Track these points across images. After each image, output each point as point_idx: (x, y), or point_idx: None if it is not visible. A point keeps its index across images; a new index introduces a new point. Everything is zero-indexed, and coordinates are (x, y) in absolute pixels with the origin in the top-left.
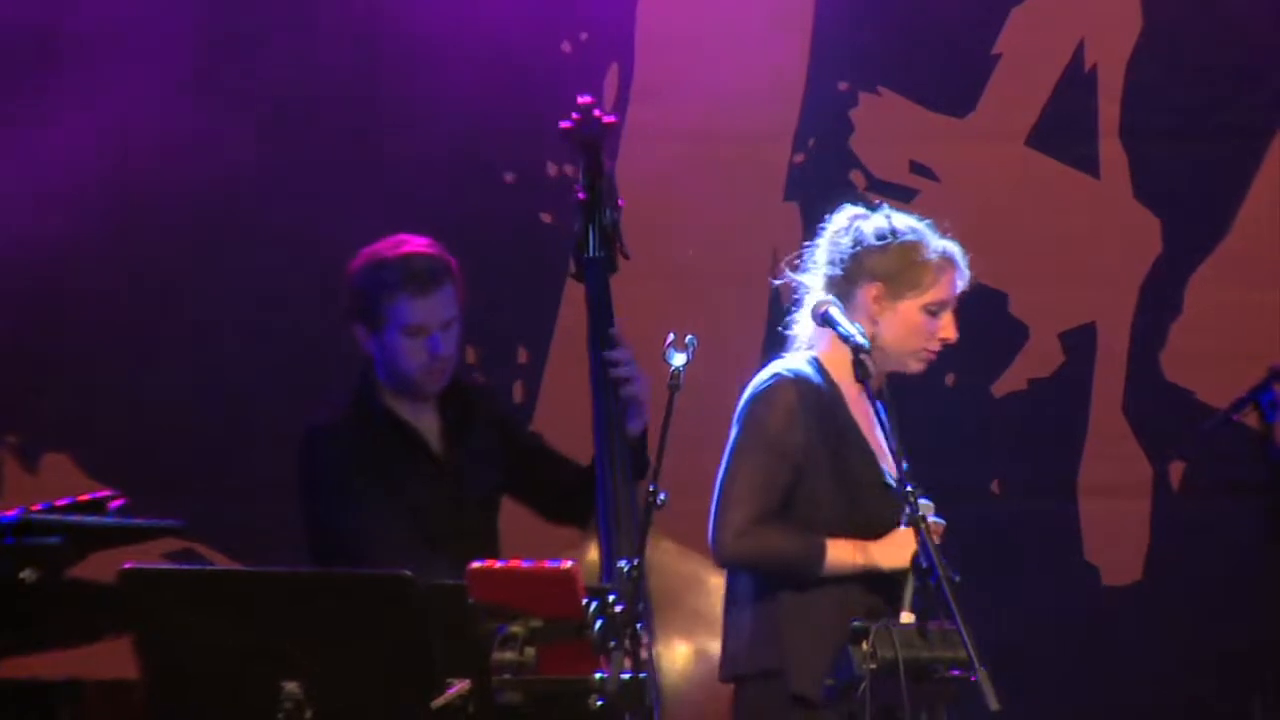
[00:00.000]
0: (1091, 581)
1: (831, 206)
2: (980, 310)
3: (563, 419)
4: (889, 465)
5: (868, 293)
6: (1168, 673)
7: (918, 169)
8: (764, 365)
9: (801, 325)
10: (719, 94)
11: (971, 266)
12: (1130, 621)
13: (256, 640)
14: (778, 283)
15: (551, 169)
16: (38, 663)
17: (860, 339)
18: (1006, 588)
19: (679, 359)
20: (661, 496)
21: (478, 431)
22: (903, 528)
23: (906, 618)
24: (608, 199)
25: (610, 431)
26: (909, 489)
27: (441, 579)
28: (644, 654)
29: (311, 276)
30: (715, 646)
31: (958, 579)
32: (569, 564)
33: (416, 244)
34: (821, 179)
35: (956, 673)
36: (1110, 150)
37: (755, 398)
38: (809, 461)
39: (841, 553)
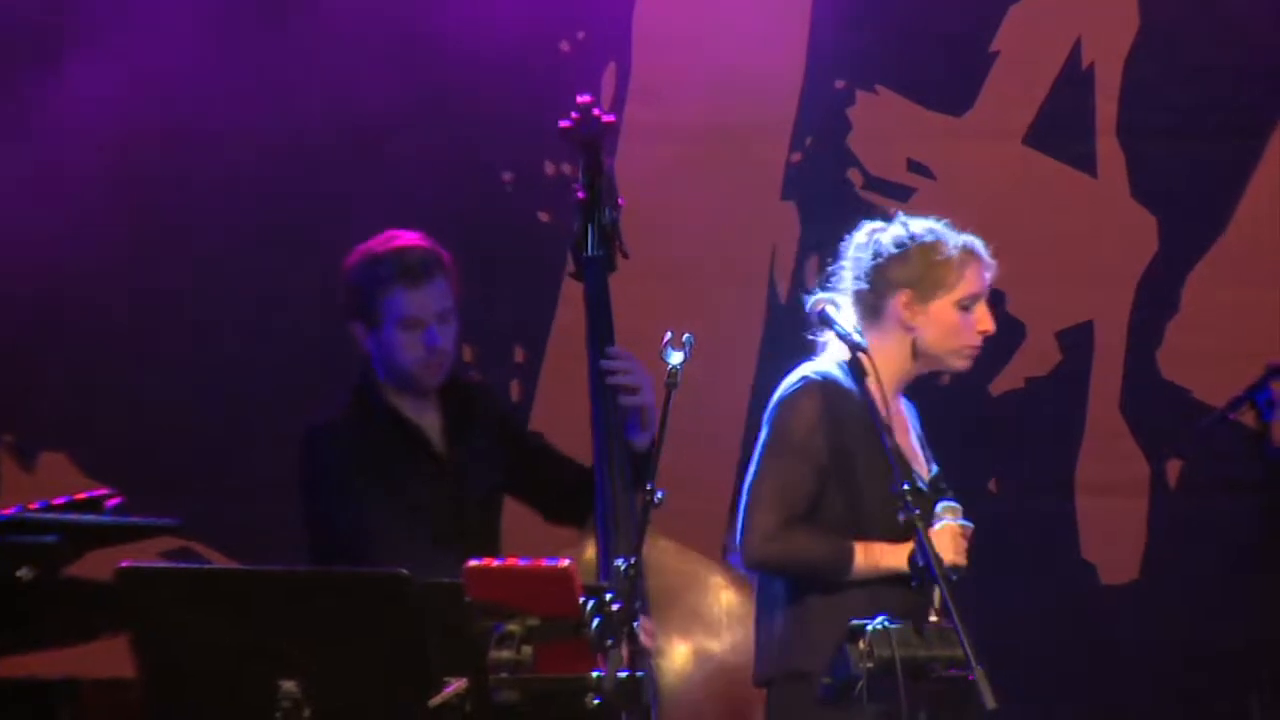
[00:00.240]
0: (1089, 580)
1: (829, 205)
2: None
3: (560, 419)
4: (920, 468)
5: (898, 301)
6: (1165, 671)
7: (915, 167)
8: (763, 365)
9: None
10: (717, 92)
11: None
12: (1127, 620)
13: (253, 639)
14: (810, 300)
15: (550, 168)
16: (35, 661)
17: (857, 337)
18: (1003, 586)
19: (676, 357)
20: (659, 495)
21: (479, 430)
22: (934, 528)
23: (936, 620)
24: (607, 198)
25: (609, 436)
26: (924, 490)
27: (446, 578)
28: (646, 641)
29: (311, 276)
30: (714, 646)
31: (955, 578)
32: (566, 562)
33: (408, 238)
34: (819, 177)
35: (954, 671)
36: (1107, 149)
37: (782, 402)
38: (834, 465)
39: (869, 556)
